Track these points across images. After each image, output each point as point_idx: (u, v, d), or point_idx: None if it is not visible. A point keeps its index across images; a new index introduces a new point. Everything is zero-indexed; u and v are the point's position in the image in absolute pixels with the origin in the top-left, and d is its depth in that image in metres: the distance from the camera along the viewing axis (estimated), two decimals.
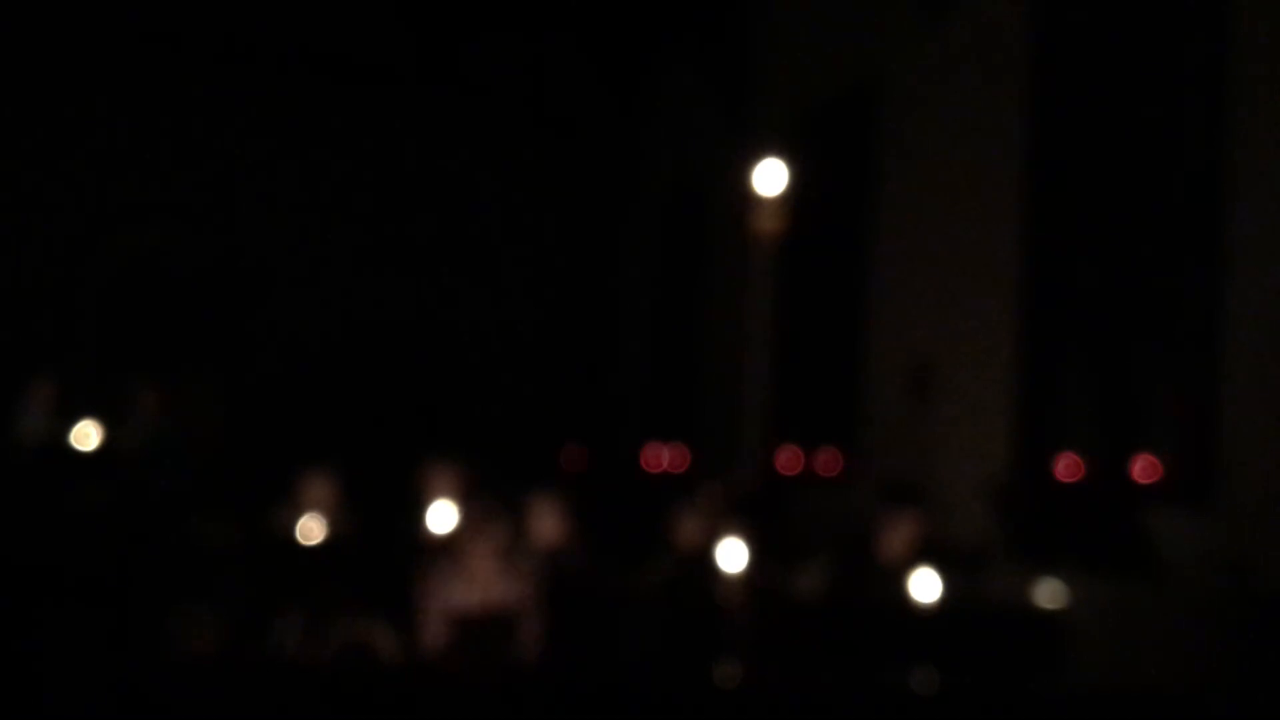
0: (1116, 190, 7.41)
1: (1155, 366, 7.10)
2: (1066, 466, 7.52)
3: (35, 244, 13.14)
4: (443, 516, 6.66)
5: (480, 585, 6.00)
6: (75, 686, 4.90)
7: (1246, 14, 6.51)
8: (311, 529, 7.08)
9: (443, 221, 14.05)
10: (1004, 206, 8.13)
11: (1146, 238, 7.17)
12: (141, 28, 13.25)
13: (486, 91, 14.09)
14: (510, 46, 13.98)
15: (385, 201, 13.99)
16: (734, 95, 11.68)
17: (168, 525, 7.79)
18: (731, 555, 5.69)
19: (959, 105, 8.67)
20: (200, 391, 13.12)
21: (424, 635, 5.96)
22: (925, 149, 9.05)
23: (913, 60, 9.22)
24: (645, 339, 14.16)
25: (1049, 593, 6.74)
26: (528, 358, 14.12)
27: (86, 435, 10.11)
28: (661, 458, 12.70)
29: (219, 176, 13.61)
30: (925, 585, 6.14)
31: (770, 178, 7.78)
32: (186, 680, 5.12)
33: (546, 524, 6.97)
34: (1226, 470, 6.39)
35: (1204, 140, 6.77)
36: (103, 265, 13.61)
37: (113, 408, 10.82)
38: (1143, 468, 6.96)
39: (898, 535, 6.81)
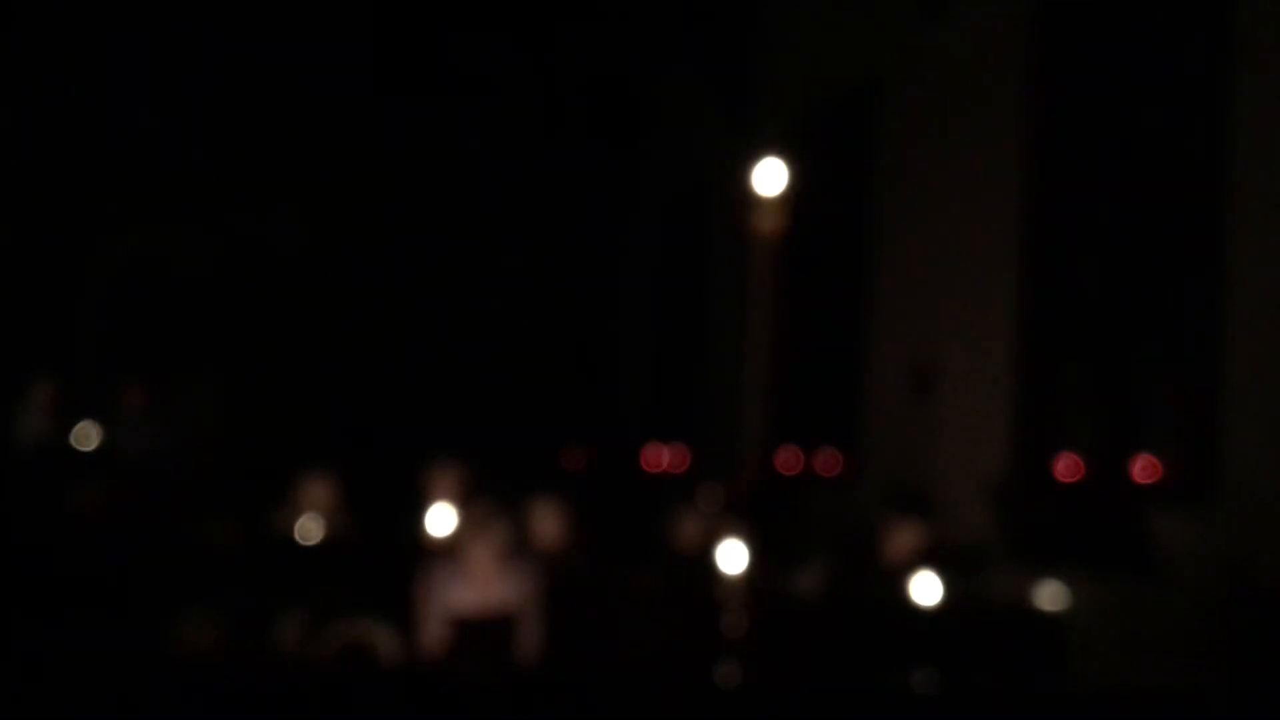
0: (1116, 190, 7.41)
1: (1155, 366, 7.10)
2: (1066, 466, 7.52)
3: (36, 245, 13.15)
4: (443, 517, 6.67)
5: (480, 586, 6.00)
6: (75, 686, 4.90)
7: (1246, 15, 6.51)
8: (309, 530, 7.09)
9: (443, 222, 14.05)
10: (1004, 206, 8.13)
11: (1146, 237, 7.17)
12: (141, 28, 13.26)
13: (488, 94, 14.10)
14: (510, 48, 13.99)
15: (385, 202, 13.99)
16: (734, 95, 11.69)
17: (168, 525, 7.79)
18: (731, 555, 5.69)
19: (959, 105, 8.67)
20: (200, 392, 13.14)
21: (424, 636, 5.96)
22: (925, 149, 9.05)
23: (913, 60, 9.22)
24: (646, 339, 14.16)
25: (1049, 593, 6.74)
26: (528, 358, 14.12)
27: (87, 435, 10.12)
28: (661, 458, 12.71)
29: (219, 177, 13.62)
30: (926, 587, 6.15)
31: (770, 178, 7.77)
32: (187, 680, 5.12)
33: (547, 525, 6.96)
34: (1226, 470, 6.39)
35: (1204, 140, 6.77)
36: (103, 266, 13.62)
37: (111, 408, 10.85)
38: (1143, 468, 6.96)
39: (901, 542, 6.80)
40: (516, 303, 14.21)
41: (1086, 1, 7.72)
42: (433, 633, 5.96)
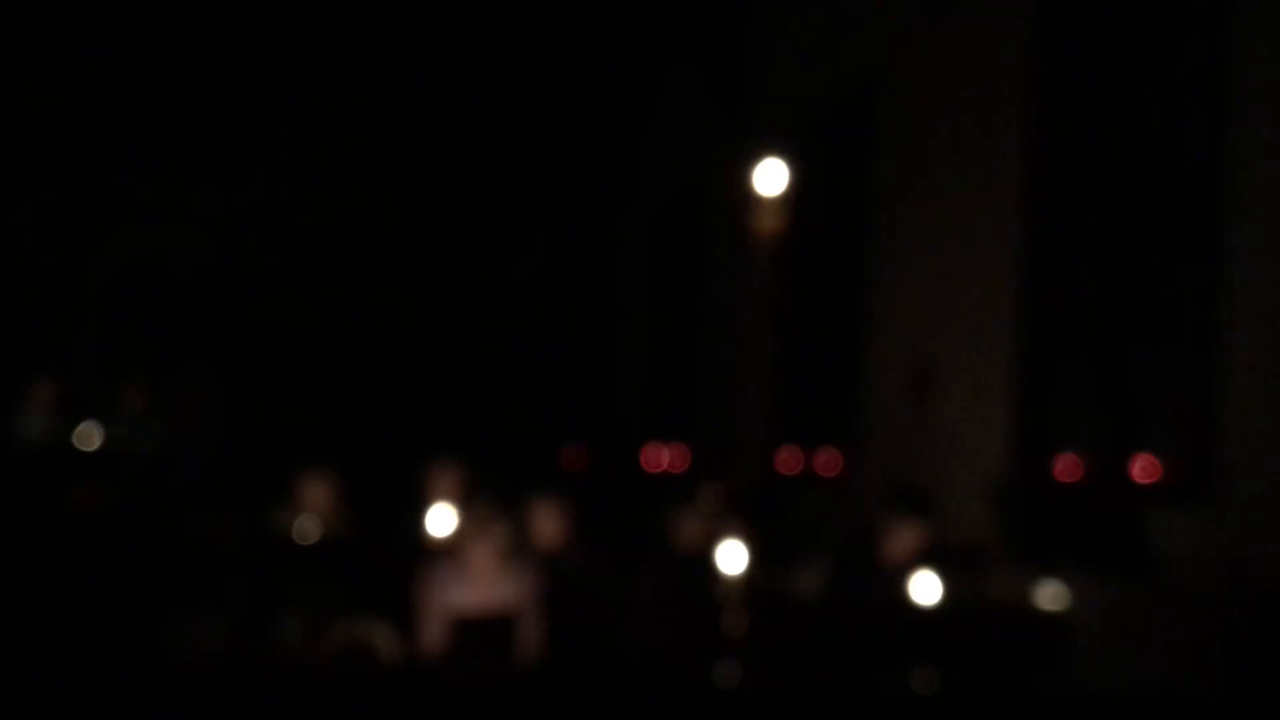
0: (1116, 190, 7.41)
1: (1155, 366, 7.09)
2: (1066, 466, 7.52)
3: (36, 245, 13.16)
4: (443, 517, 6.67)
5: (480, 586, 6.00)
6: (75, 686, 4.90)
7: (1247, 14, 6.51)
8: (309, 529, 7.09)
9: (443, 222, 14.05)
10: (1004, 206, 8.13)
11: (1146, 237, 7.17)
12: (141, 29, 13.26)
13: (487, 93, 14.10)
14: (509, 47, 13.99)
15: (384, 202, 13.99)
16: (734, 95, 11.69)
17: (168, 525, 7.80)
18: (731, 555, 5.69)
19: (959, 105, 8.67)
20: (199, 391, 13.14)
21: (424, 636, 5.96)
22: (925, 149, 9.05)
23: (913, 60, 9.22)
24: (645, 339, 14.16)
25: (1049, 593, 6.74)
26: (528, 358, 14.13)
27: (90, 436, 10.13)
28: (661, 458, 12.71)
29: (218, 177, 13.62)
30: (926, 587, 6.15)
31: (770, 178, 7.81)
32: (186, 680, 5.12)
33: (546, 525, 6.96)
34: (1226, 470, 6.39)
35: (1204, 139, 6.77)
36: (103, 266, 13.62)
37: (111, 408, 10.86)
38: (1143, 468, 6.96)
39: (901, 542, 6.80)
40: (516, 302, 14.21)
41: (1087, 1, 7.72)
42: (433, 633, 5.96)
